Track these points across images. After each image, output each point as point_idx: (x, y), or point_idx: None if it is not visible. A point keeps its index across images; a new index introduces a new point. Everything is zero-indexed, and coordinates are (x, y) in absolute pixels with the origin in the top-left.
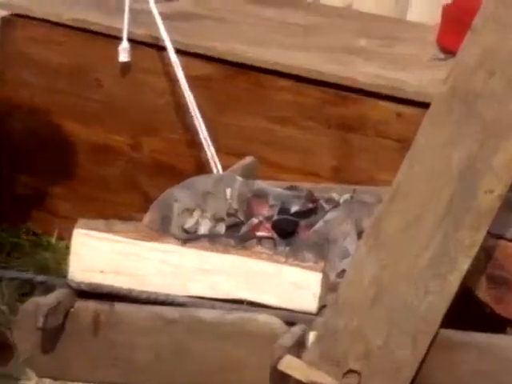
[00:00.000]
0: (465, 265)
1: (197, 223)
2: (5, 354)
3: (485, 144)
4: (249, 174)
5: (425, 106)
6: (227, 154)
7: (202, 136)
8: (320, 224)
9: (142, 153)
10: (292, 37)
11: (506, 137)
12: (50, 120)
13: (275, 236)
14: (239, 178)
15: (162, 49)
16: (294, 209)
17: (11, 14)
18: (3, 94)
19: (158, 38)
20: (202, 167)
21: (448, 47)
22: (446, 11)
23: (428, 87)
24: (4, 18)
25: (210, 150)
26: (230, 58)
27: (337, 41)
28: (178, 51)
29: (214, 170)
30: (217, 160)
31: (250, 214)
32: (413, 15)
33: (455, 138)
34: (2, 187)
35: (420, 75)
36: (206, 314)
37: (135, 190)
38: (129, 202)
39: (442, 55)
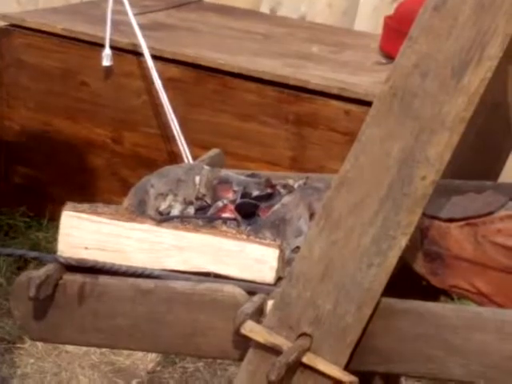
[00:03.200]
0: (403, 242)
1: (170, 206)
2: None
3: (420, 137)
4: (215, 163)
5: (369, 104)
6: (197, 146)
7: (175, 131)
8: (277, 207)
9: (122, 146)
10: (254, 44)
11: (439, 131)
12: (43, 117)
13: (238, 217)
14: (206, 167)
15: (140, 55)
16: (255, 193)
17: (8, 25)
18: (2, 96)
19: (137, 45)
20: (175, 158)
21: (389, 53)
22: (388, 22)
23: (372, 88)
24: (2, 28)
25: (181, 143)
26: (200, 63)
27: (292, 48)
28: (154, 57)
29: (185, 160)
30: (188, 152)
31: (216, 198)
32: (359, 25)
33: (394, 133)
34: (0, 176)
35: (365, 78)
36: (179, 284)
37: (116, 178)
38: (111, 188)
39: (384, 60)
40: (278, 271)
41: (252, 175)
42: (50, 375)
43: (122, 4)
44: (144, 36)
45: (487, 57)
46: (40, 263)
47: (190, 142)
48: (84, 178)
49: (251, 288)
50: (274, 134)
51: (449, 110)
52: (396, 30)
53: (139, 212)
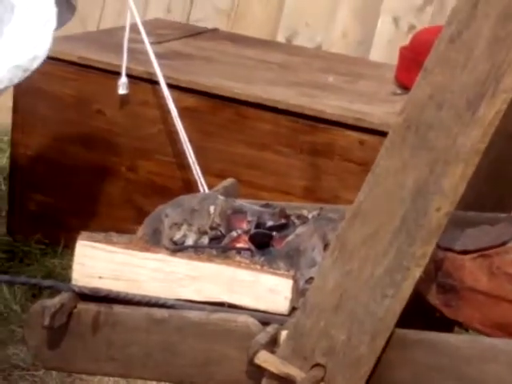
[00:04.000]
0: (416, 273)
1: (184, 236)
2: None
3: (434, 169)
4: (230, 193)
5: (384, 134)
6: (212, 175)
7: (190, 160)
8: (291, 237)
9: (137, 174)
10: (269, 74)
11: (453, 163)
12: (58, 145)
13: (252, 247)
14: (221, 197)
15: (156, 83)
16: (269, 224)
17: None
18: (18, 122)
19: (153, 74)
20: (190, 187)
21: (404, 84)
22: (403, 52)
23: (386, 118)
24: None
25: (197, 172)
26: (215, 92)
27: (308, 77)
28: (170, 85)
29: (200, 190)
30: (203, 181)
31: (230, 228)
32: (374, 56)
33: (408, 164)
34: (16, 203)
35: (380, 108)
36: (192, 314)
37: (131, 206)
38: (126, 216)
39: (399, 91)
40: (291, 301)
41: (266, 205)
42: None
43: (139, 32)
44: (160, 65)
45: (502, 89)
46: (54, 292)
47: (205, 171)
48: (99, 206)
49: (265, 318)
50: (289, 163)
51: (464, 142)
52: (411, 60)
53: (153, 241)
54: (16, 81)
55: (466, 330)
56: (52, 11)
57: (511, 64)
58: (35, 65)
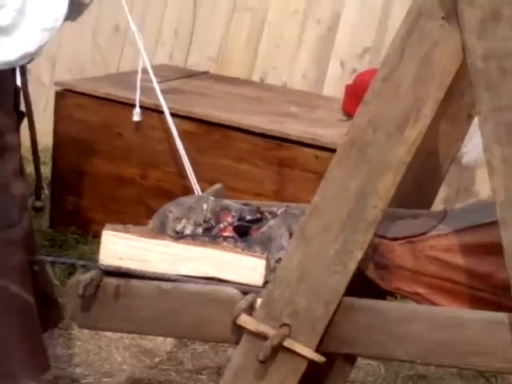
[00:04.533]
0: (359, 255)
1: (184, 227)
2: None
3: (371, 177)
4: (218, 195)
5: (334, 151)
6: (204, 182)
7: (188, 170)
8: (264, 228)
9: (148, 181)
10: (247, 105)
11: (386, 172)
12: (87, 159)
13: (235, 236)
14: (212, 198)
15: (162, 112)
16: (248, 218)
17: (62, 89)
18: (57, 142)
19: (159, 105)
20: (188, 191)
21: (349, 112)
22: (348, 89)
23: (336, 139)
24: (57, 92)
25: (193, 180)
26: (206, 119)
27: (276, 108)
28: (172, 114)
29: (196, 193)
30: (197, 186)
31: (218, 221)
32: (326, 91)
33: (352, 174)
34: (56, 204)
35: (331, 131)
36: (190, 286)
37: (143, 205)
38: (139, 213)
39: (345, 118)
40: (265, 276)
41: (245, 204)
42: (92, 354)
43: (148, 74)
44: (164, 98)
45: (423, 116)
46: (86, 270)
47: (199, 179)
48: (119, 205)
49: (245, 289)
50: (262, 173)
51: (393, 156)
52: (354, 95)
53: (160, 231)
54: (45, 41)
55: (396, 297)
56: None
57: (429, 97)
58: (57, 25)
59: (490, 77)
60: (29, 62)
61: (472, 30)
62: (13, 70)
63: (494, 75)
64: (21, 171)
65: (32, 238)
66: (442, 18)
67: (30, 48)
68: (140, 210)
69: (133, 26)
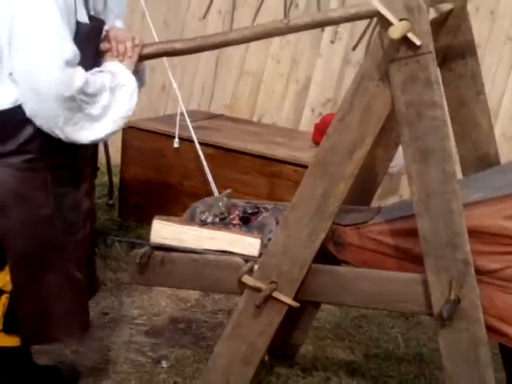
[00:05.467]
0: (323, 235)
1: (206, 217)
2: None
3: (331, 184)
4: (229, 196)
5: (306, 167)
6: (221, 187)
7: (210, 180)
8: (260, 218)
9: (184, 187)
10: (249, 137)
11: (341, 182)
12: (144, 172)
13: (241, 223)
14: (225, 198)
15: (192, 141)
16: (249, 211)
17: (128, 126)
18: (124, 161)
19: (191, 137)
20: (210, 193)
21: (317, 142)
22: (316, 126)
23: (308, 159)
24: (124, 128)
25: (213, 186)
26: (222, 146)
27: (269, 139)
28: (200, 143)
29: (215, 194)
30: (216, 190)
31: (229, 214)
32: (302, 127)
33: (318, 182)
34: (123, 201)
35: (305, 154)
36: (211, 256)
37: (181, 203)
38: (178, 209)
39: (314, 145)
40: (260, 250)
41: (248, 202)
42: (145, 301)
43: (184, 116)
44: (195, 132)
45: (365, 145)
46: (142, 246)
47: (217, 186)
48: (164, 203)
49: (247, 258)
50: (259, 182)
51: (346, 171)
52: (320, 130)
53: (191, 220)
54: (122, 125)
55: (347, 264)
56: (135, 85)
57: (369, 132)
58: (130, 114)
59: (410, 118)
60: None
61: (398, 88)
62: None
63: (413, 117)
64: (89, 192)
65: (91, 237)
66: (378, 79)
67: (111, 130)
68: (178, 206)
69: (174, 85)
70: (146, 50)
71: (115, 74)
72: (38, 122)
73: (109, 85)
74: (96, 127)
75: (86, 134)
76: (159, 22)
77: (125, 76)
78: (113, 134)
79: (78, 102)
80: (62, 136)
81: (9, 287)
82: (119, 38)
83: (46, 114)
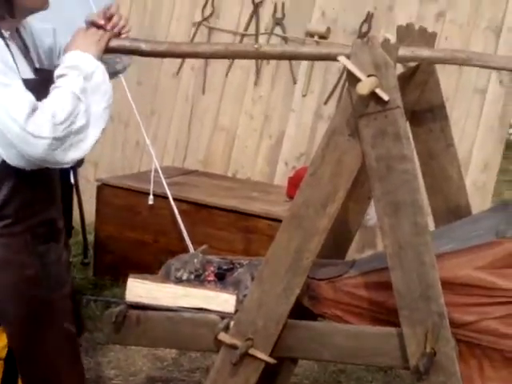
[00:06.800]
0: (297, 291)
1: (182, 274)
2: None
3: (305, 239)
4: (204, 252)
5: (281, 221)
6: (196, 244)
7: (185, 236)
8: (235, 274)
9: (159, 244)
10: (223, 192)
11: (315, 236)
12: (118, 229)
13: (216, 280)
14: (200, 254)
15: (167, 198)
16: (224, 267)
17: (102, 184)
18: (98, 219)
19: (165, 193)
20: (185, 250)
21: (291, 196)
22: (290, 180)
23: (282, 213)
24: (98, 186)
25: (188, 242)
26: (197, 202)
27: (243, 194)
28: (174, 199)
29: (190, 251)
30: (191, 246)
31: (205, 270)
32: (277, 182)
33: (293, 236)
34: (98, 258)
35: (279, 207)
36: (186, 314)
37: (156, 261)
38: (153, 266)
39: (288, 200)
40: (235, 306)
41: (223, 258)
42: (121, 360)
43: (159, 173)
44: (169, 189)
45: (337, 199)
46: (117, 305)
47: (193, 242)
48: (139, 260)
49: (223, 315)
50: (234, 237)
51: (319, 225)
52: (294, 184)
53: (166, 278)
54: (107, 120)
55: (324, 318)
56: (103, 68)
57: (341, 186)
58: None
59: (380, 172)
60: (80, 166)
61: (368, 142)
62: (67, 174)
63: (383, 171)
64: (66, 244)
65: (73, 287)
66: (349, 134)
67: (102, 126)
68: (154, 263)
69: (148, 142)
70: (112, 44)
71: (79, 66)
72: (42, 167)
73: (79, 86)
74: (89, 134)
75: (82, 147)
76: (133, 81)
77: (91, 63)
78: (105, 128)
79: (61, 133)
80: (66, 165)
81: (3, 353)
82: (109, 14)
83: (42, 164)
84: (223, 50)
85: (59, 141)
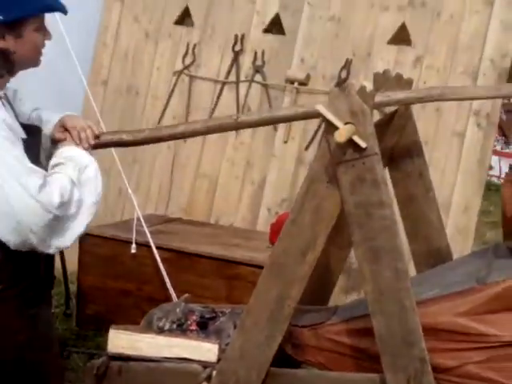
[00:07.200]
0: (280, 338)
1: (164, 324)
2: None
3: (286, 286)
4: (187, 301)
5: (262, 267)
6: (179, 291)
7: (168, 284)
8: (217, 323)
9: (142, 292)
10: (205, 239)
11: (295, 284)
12: (101, 280)
13: (198, 329)
14: (183, 303)
15: (149, 246)
16: (206, 316)
17: (84, 233)
18: (81, 268)
19: (148, 242)
20: (168, 298)
21: (274, 242)
22: (272, 226)
23: (264, 259)
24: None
25: (171, 291)
26: (179, 250)
27: (226, 240)
28: (157, 247)
29: (173, 300)
30: (174, 295)
31: (187, 320)
32: (259, 228)
33: (272, 285)
34: (80, 309)
35: (261, 254)
36: (169, 364)
37: (139, 309)
38: (136, 315)
39: (271, 246)
40: (218, 356)
41: (205, 307)
42: None
43: (140, 221)
44: (152, 237)
45: (317, 245)
46: (99, 356)
47: (176, 290)
48: (122, 310)
49: (205, 364)
50: (217, 284)
51: (300, 272)
52: (276, 230)
53: (148, 328)
54: (93, 215)
55: (308, 365)
56: (96, 164)
57: (321, 233)
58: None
59: (360, 219)
60: None
61: (346, 189)
62: None
63: (362, 218)
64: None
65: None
66: (327, 181)
67: (88, 220)
68: (137, 312)
69: (129, 191)
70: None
71: (74, 158)
72: (25, 249)
73: (75, 176)
74: (75, 225)
75: (68, 236)
76: (114, 129)
77: (85, 158)
78: (90, 223)
79: (61, 213)
80: (49, 251)
81: None
82: (78, 126)
83: (32, 242)
84: (203, 128)
85: (56, 221)
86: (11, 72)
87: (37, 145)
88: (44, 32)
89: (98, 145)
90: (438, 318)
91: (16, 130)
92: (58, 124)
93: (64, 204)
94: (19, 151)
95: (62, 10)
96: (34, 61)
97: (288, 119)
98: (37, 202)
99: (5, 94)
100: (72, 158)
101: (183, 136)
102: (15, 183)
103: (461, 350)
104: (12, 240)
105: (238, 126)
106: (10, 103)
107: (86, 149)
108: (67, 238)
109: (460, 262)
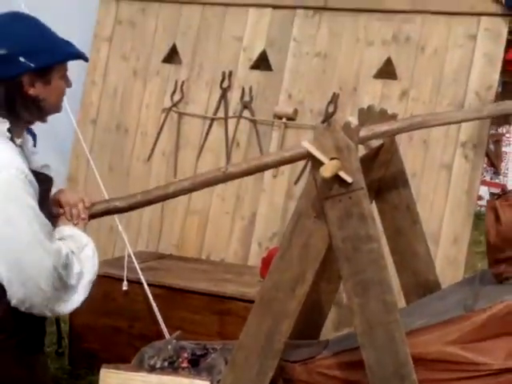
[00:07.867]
0: (271, 374)
1: (155, 362)
2: None
3: (276, 321)
4: (178, 338)
5: (253, 302)
6: (171, 328)
7: (160, 321)
8: (209, 359)
9: (134, 329)
10: (198, 275)
11: (285, 319)
12: (94, 317)
13: (190, 366)
14: (174, 340)
15: (141, 283)
16: (198, 353)
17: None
18: None
19: (140, 279)
20: (160, 335)
21: (263, 276)
22: (263, 260)
23: (255, 294)
24: None
25: (163, 327)
26: (171, 286)
27: (217, 276)
28: (148, 284)
29: (165, 337)
30: (166, 331)
31: (178, 357)
32: (250, 262)
33: (263, 320)
34: (73, 348)
35: (252, 289)
36: None
37: (131, 347)
38: (128, 353)
39: (261, 280)
40: None
41: (197, 343)
42: None
43: (132, 258)
44: (143, 274)
45: (306, 280)
46: None
47: (167, 326)
48: (114, 348)
49: None
50: (209, 320)
51: (289, 307)
52: (267, 265)
53: (140, 366)
54: (88, 293)
55: None
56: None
57: (310, 267)
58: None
59: (348, 253)
60: None
61: (334, 224)
62: None
63: (350, 252)
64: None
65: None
66: (315, 217)
67: (84, 296)
68: (129, 350)
69: (120, 228)
70: (92, 211)
71: (74, 237)
72: (24, 308)
73: (76, 251)
74: (74, 297)
75: (67, 305)
76: (104, 167)
77: (83, 237)
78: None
79: (63, 278)
80: (49, 314)
81: None
82: (71, 202)
83: (36, 300)
84: (191, 185)
85: (61, 282)
86: (41, 118)
87: (47, 195)
88: (66, 79)
89: (94, 214)
90: (428, 347)
91: (33, 182)
92: (52, 199)
93: (67, 267)
94: (36, 205)
95: (84, 57)
96: (58, 107)
97: (276, 164)
98: (48, 254)
99: (22, 142)
100: (72, 237)
101: (174, 195)
102: (40, 251)
103: (452, 379)
104: (16, 296)
105: (226, 178)
106: (24, 151)
107: (75, 224)
108: (65, 308)
109: (448, 290)
